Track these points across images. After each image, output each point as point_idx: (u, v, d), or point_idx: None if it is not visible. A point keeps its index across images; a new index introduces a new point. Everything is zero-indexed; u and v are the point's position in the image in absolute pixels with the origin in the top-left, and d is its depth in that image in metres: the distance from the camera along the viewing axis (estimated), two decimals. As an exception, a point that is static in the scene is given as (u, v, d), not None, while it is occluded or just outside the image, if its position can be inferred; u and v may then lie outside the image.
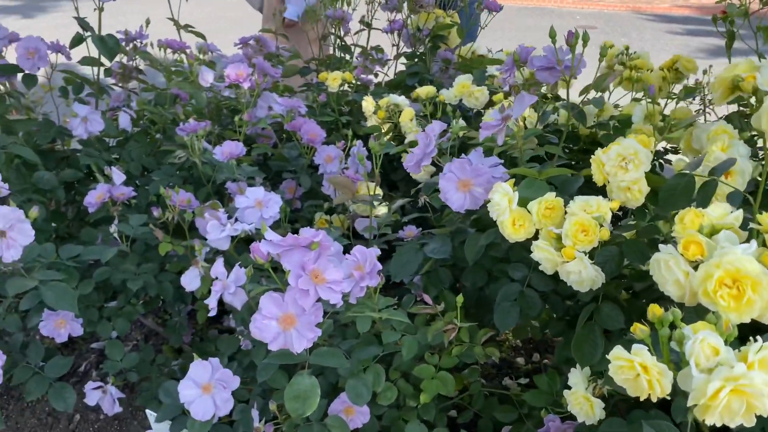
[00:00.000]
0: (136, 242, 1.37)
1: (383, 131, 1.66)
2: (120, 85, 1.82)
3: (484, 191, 0.96)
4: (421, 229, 1.42)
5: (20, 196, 1.36)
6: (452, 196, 0.96)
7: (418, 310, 0.99)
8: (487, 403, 1.19)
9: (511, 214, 0.92)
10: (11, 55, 1.46)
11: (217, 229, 1.09)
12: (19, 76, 1.51)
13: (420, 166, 1.02)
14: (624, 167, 0.89)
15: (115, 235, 1.26)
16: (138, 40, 1.69)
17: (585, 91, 1.15)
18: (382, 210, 1.53)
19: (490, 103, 1.59)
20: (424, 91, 1.52)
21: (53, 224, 1.55)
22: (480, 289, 1.14)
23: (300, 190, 1.60)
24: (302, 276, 0.79)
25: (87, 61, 1.61)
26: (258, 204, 1.18)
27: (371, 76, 2.01)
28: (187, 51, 1.57)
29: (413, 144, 1.60)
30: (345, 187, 1.11)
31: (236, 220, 1.14)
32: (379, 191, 1.52)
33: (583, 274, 0.84)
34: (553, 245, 0.88)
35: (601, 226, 0.86)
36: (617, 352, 0.65)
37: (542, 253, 0.88)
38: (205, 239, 1.38)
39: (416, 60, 1.97)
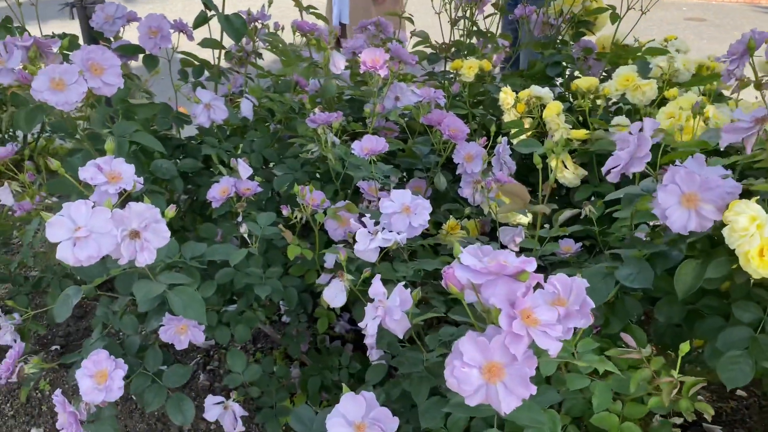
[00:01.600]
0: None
1: (525, 127, 1.47)
2: (236, 69, 1.70)
3: (715, 209, 0.76)
4: (581, 244, 1.23)
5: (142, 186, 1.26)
6: (674, 214, 0.77)
7: (620, 354, 0.81)
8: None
9: (760, 243, 0.72)
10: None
11: (365, 239, 0.94)
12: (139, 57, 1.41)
13: (628, 171, 0.83)
14: None
15: (244, 234, 1.13)
16: (260, 21, 1.57)
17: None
18: (524, 218, 1.35)
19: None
20: (586, 82, 1.32)
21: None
22: (676, 325, 0.95)
23: (428, 192, 1.43)
24: (515, 317, 0.62)
25: (207, 42, 1.50)
26: (405, 209, 1.02)
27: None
28: (318, 34, 1.43)
29: (566, 143, 1.41)
30: (517, 195, 0.95)
31: (383, 228, 0.99)
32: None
33: None
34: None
35: None
36: None
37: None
38: (334, 243, 1.25)
39: (554, 48, 1.76)
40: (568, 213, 1.07)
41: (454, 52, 1.85)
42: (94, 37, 1.55)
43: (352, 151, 1.18)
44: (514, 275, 0.66)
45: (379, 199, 1.28)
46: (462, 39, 1.89)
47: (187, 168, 1.41)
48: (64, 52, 1.12)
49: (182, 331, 1.14)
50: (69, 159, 1.20)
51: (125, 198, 0.91)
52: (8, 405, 1.51)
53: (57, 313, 1.05)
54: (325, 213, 1.19)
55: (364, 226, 1.01)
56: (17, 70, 0.96)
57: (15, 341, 1.31)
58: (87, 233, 0.82)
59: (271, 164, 1.51)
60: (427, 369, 0.87)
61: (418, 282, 1.08)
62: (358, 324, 0.99)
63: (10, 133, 2.76)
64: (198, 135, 1.60)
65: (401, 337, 0.81)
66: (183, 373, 1.15)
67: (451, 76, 1.78)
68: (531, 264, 0.65)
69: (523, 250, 1.22)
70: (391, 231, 0.99)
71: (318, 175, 1.43)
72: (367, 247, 0.93)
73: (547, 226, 1.23)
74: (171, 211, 0.92)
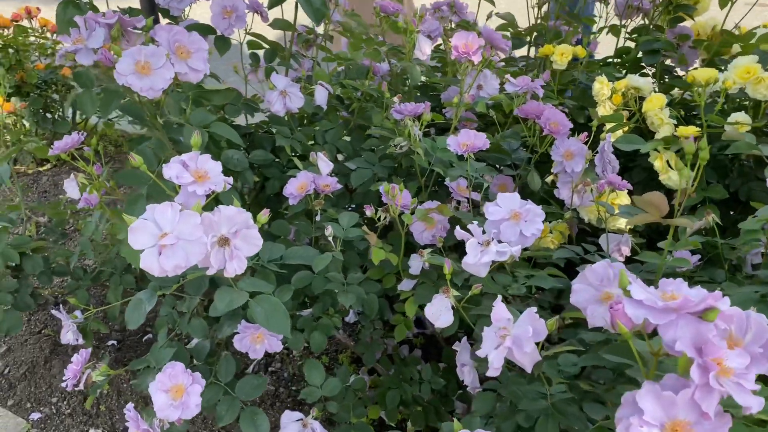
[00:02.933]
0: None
1: (624, 121, 1.34)
2: (302, 53, 1.61)
3: None
4: (699, 257, 1.11)
5: (212, 180, 1.17)
6: None
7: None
8: None
9: None
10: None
11: (475, 251, 0.84)
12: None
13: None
14: None
15: (329, 237, 1.04)
16: (334, 2, 1.46)
17: None
18: (623, 223, 1.23)
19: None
20: (704, 74, 1.18)
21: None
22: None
23: (515, 191, 1.32)
24: (708, 367, 0.51)
25: (279, 23, 1.40)
26: (514, 216, 0.92)
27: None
28: (405, 15, 1.32)
29: (673, 141, 1.28)
30: (654, 205, 0.83)
31: (494, 238, 0.88)
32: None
33: None
34: None
35: None
36: None
37: None
38: (421, 247, 1.15)
39: (650, 35, 1.62)
40: (700, 223, 0.95)
41: (536, 36, 1.72)
42: (156, 14, 1.47)
43: (448, 147, 1.07)
44: (699, 313, 0.55)
45: (468, 200, 1.17)
46: (541, 21, 1.76)
47: (257, 160, 1.32)
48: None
49: (258, 340, 1.06)
50: (138, 148, 1.13)
51: (212, 198, 0.83)
52: (65, 403, 1.46)
53: (129, 318, 0.98)
54: (412, 214, 1.09)
55: (467, 232, 0.91)
56: (100, 51, 0.88)
57: (77, 341, 1.25)
58: (174, 240, 0.74)
59: (341, 155, 1.42)
60: (554, 406, 0.77)
61: (520, 297, 0.98)
62: (433, 328, 0.89)
63: (60, 115, 2.73)
64: (264, 122, 1.52)
65: (529, 371, 0.71)
66: (258, 385, 1.07)
67: (529, 62, 1.66)
68: (723, 301, 0.54)
69: (630, 262, 1.11)
70: (500, 241, 0.89)
71: (397, 170, 1.33)
72: (479, 260, 0.83)
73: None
74: (264, 216, 0.83)
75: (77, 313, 1.26)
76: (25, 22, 2.64)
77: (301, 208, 1.20)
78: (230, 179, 0.82)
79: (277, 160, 1.42)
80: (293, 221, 1.27)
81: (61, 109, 2.66)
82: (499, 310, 0.73)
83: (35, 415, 1.26)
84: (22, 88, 2.47)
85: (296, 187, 1.16)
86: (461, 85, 1.30)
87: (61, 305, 1.35)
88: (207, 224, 0.78)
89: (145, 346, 1.61)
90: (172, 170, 0.79)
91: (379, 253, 1.08)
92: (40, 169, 2.71)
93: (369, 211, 1.11)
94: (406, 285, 1.14)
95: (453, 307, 0.88)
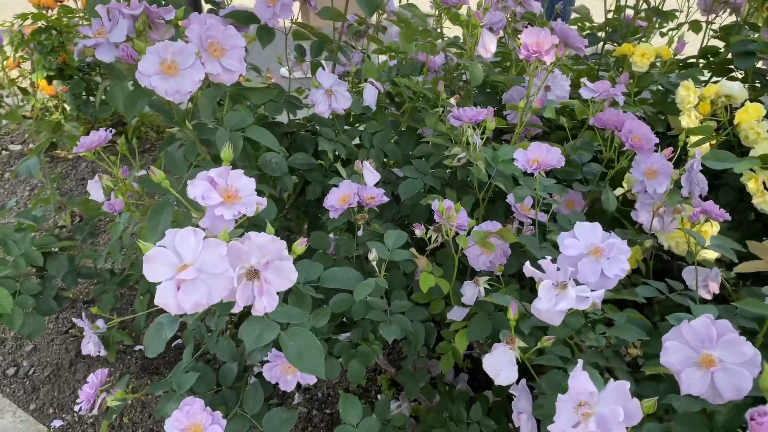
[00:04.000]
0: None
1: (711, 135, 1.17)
2: (352, 44, 1.49)
3: None
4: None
5: (247, 187, 1.07)
6: None
7: None
8: None
9: None
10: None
11: (549, 294, 0.71)
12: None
13: None
14: None
15: (373, 262, 0.92)
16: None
17: None
18: (711, 254, 1.08)
19: None
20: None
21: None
22: None
23: (584, 210, 1.18)
24: None
25: (328, 12, 1.28)
26: (595, 252, 0.78)
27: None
28: (468, 8, 1.18)
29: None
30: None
31: (571, 279, 0.75)
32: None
33: None
34: None
35: None
36: None
37: None
38: (476, 273, 1.02)
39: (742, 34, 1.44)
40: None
41: (609, 32, 1.56)
42: (198, 1, 1.37)
43: (514, 162, 0.94)
44: None
45: (533, 222, 1.04)
46: (615, 15, 1.59)
47: (299, 164, 1.21)
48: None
49: (290, 371, 0.96)
50: (168, 150, 1.03)
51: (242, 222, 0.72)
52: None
53: (148, 345, 0.89)
54: (468, 235, 0.97)
55: (536, 266, 0.78)
56: (122, 46, 0.77)
57: (99, 352, 1.17)
58: (195, 274, 0.63)
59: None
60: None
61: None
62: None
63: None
64: (307, 119, 1.41)
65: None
66: (287, 419, 0.97)
67: (602, 60, 1.50)
68: None
69: (720, 300, 0.96)
70: (577, 281, 0.75)
71: (450, 181, 1.20)
72: (553, 307, 0.70)
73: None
74: (300, 247, 0.71)
75: (99, 323, 1.18)
76: (70, 2, 2.59)
77: (342, 221, 1.09)
78: (264, 200, 0.71)
79: (320, 161, 1.31)
80: (333, 231, 1.16)
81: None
82: (581, 380, 0.60)
83: (57, 423, 1.20)
84: (64, 71, 2.42)
85: (338, 199, 1.05)
86: (528, 87, 1.16)
87: (83, 313, 1.27)
88: (234, 254, 0.67)
89: (174, 353, 1.53)
90: (197, 189, 0.68)
91: (429, 280, 0.96)
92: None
93: (419, 231, 0.99)
94: (456, 314, 1.02)
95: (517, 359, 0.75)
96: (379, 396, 1.40)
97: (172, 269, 0.64)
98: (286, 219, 1.41)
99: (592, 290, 0.75)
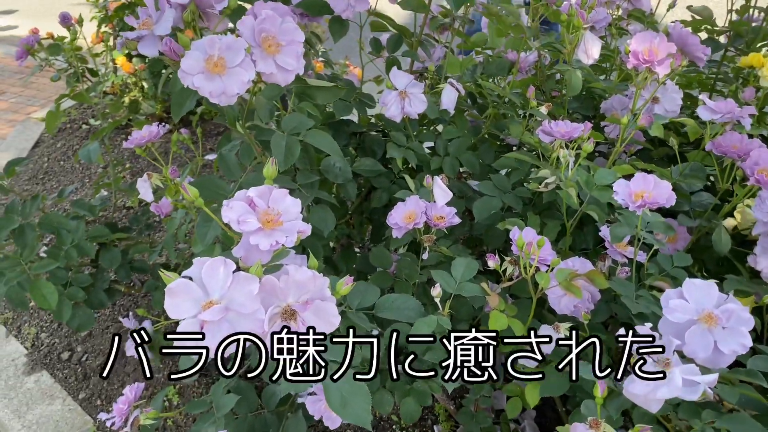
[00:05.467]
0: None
1: None
2: (435, 38, 1.37)
3: None
4: None
5: (306, 194, 0.98)
6: None
7: None
8: None
9: None
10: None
11: (675, 386, 0.58)
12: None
13: None
14: None
15: (436, 298, 0.81)
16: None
17: None
18: None
19: None
20: None
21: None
22: None
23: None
24: None
25: (410, 3, 1.17)
26: (707, 318, 0.64)
27: None
28: (571, 5, 1.04)
29: None
30: None
31: (675, 351, 0.61)
32: None
33: None
34: None
35: None
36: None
37: None
38: (557, 318, 0.89)
39: None
40: None
41: (733, 37, 1.36)
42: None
43: (614, 195, 0.80)
44: None
45: (631, 261, 0.89)
46: (739, 18, 1.39)
47: (364, 171, 1.12)
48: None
49: (334, 408, 0.87)
50: (223, 153, 0.96)
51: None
52: None
53: (183, 365, 0.82)
54: (551, 270, 0.84)
55: (628, 322, 0.65)
56: (165, 40, 0.69)
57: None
58: (221, 314, 0.54)
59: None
60: None
61: None
62: None
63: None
64: (379, 117, 1.30)
65: None
66: (329, 458, 0.88)
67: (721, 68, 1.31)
68: None
69: None
70: (682, 355, 0.62)
71: (534, 202, 1.07)
72: (651, 392, 0.57)
73: None
74: (346, 287, 0.62)
75: (147, 324, 1.13)
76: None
77: (406, 241, 0.98)
78: (308, 228, 0.61)
79: (388, 165, 1.21)
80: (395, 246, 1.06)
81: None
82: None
83: (103, 416, 1.16)
84: (145, 49, 2.42)
85: (403, 216, 0.94)
86: (634, 100, 1.01)
87: (131, 313, 1.24)
88: (269, 290, 0.58)
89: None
90: (233, 212, 0.59)
91: (500, 320, 0.84)
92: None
93: (492, 262, 0.87)
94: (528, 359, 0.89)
95: (599, 444, 0.62)
96: (435, 427, 1.29)
97: (197, 306, 0.56)
98: (348, 225, 1.32)
99: (700, 365, 0.61)
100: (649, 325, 0.62)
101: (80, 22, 1.40)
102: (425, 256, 0.97)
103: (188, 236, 1.29)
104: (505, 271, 0.87)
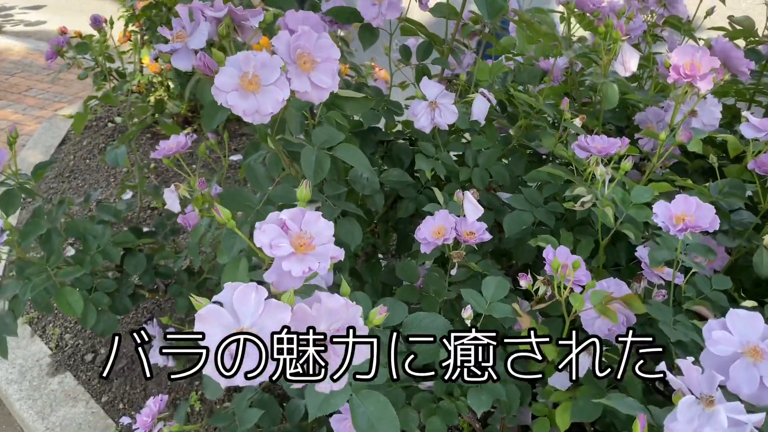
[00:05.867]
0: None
1: None
2: (464, 43, 1.35)
3: None
4: None
5: (333, 207, 0.97)
6: None
7: None
8: None
9: None
10: None
11: (689, 412, 0.56)
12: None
13: None
14: None
15: (467, 320, 0.80)
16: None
17: None
18: None
19: None
20: None
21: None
22: None
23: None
24: None
25: (442, 10, 1.15)
26: (753, 353, 0.62)
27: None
28: (607, 16, 1.01)
29: None
30: None
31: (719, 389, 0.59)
32: None
33: None
34: None
35: None
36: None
37: None
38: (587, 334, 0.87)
39: None
40: None
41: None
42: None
43: (654, 218, 0.77)
44: None
45: (668, 283, 0.87)
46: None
47: (392, 182, 1.10)
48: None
49: (360, 426, 0.85)
50: (250, 163, 0.95)
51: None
52: (157, 410, 1.37)
53: (207, 385, 0.81)
54: (582, 290, 0.82)
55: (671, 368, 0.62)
56: (199, 54, 0.68)
57: (167, 363, 1.13)
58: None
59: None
60: None
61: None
62: None
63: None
64: (405, 123, 1.29)
65: None
66: (353, 477, 0.87)
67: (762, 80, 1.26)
68: None
69: None
70: (723, 388, 0.59)
71: (566, 217, 1.05)
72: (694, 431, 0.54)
73: None
74: (379, 316, 0.60)
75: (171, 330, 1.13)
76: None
77: (434, 256, 0.97)
78: (341, 252, 0.60)
79: (416, 174, 1.19)
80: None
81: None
82: None
83: (125, 420, 1.17)
84: (171, 48, 2.43)
85: (432, 231, 0.93)
86: (673, 115, 0.98)
87: (154, 320, 1.24)
88: (300, 318, 0.57)
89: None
90: (265, 236, 0.58)
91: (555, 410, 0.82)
92: (186, 132, 2.70)
93: (524, 282, 0.85)
94: (559, 380, 0.88)
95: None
96: (459, 441, 1.28)
97: (226, 330, 0.55)
98: (374, 234, 1.31)
99: (744, 401, 0.59)
100: (690, 358, 0.60)
101: (110, 23, 1.40)
102: (454, 272, 0.95)
103: (213, 242, 1.28)
104: (536, 290, 0.85)
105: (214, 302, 0.56)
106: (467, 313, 0.79)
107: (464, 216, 0.94)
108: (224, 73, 0.65)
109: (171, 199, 0.98)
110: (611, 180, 0.88)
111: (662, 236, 0.81)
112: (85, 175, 2.32)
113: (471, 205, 0.91)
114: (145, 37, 2.44)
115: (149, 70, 2.37)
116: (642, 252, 0.89)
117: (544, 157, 1.25)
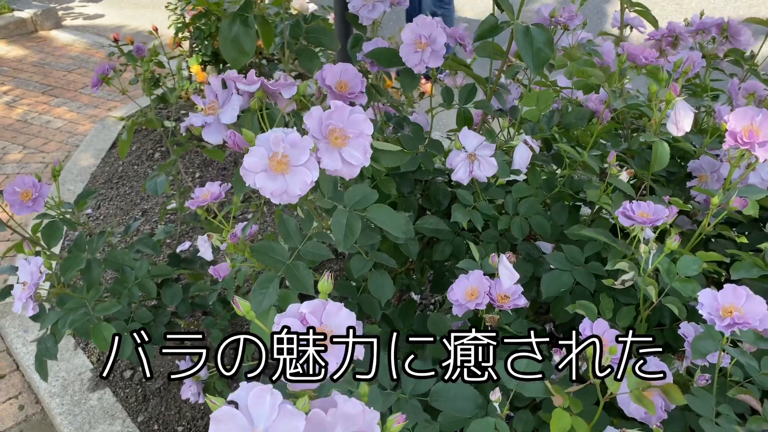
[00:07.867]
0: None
1: None
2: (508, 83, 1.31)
3: None
4: None
5: (365, 259, 0.96)
6: None
7: None
8: None
9: None
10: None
11: None
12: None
13: None
14: None
15: (495, 403, 0.77)
16: (567, 25, 1.14)
17: None
18: None
19: None
20: None
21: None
22: None
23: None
24: None
25: (485, 49, 1.12)
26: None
27: None
28: (663, 70, 0.95)
29: None
30: None
31: None
32: None
33: None
34: None
35: None
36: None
37: None
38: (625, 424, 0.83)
39: None
40: None
41: None
42: (347, 22, 1.26)
43: (699, 309, 0.73)
44: None
45: (711, 366, 0.82)
46: None
47: (427, 230, 1.08)
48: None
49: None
50: (284, 216, 0.94)
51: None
52: (189, 435, 1.39)
53: None
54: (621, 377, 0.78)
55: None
56: (229, 133, 0.68)
57: (198, 398, 1.14)
58: (265, 447, 0.52)
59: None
60: None
61: None
62: None
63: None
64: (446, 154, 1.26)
65: None
66: None
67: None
68: None
69: None
70: None
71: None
72: None
73: None
74: (397, 425, 0.58)
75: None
76: (234, -16, 2.61)
77: (468, 316, 0.94)
78: (361, 351, 0.59)
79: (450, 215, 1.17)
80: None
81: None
82: None
83: (159, 443, 1.19)
84: (219, 56, 2.45)
85: (464, 293, 0.90)
86: (727, 179, 0.93)
87: (187, 357, 1.25)
88: (315, 424, 0.55)
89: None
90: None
91: (563, 420, 0.79)
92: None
93: (557, 356, 0.82)
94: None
95: None
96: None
97: (242, 434, 0.54)
98: (408, 273, 1.29)
99: None
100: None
101: (154, 53, 1.41)
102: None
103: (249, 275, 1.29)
104: (572, 368, 0.82)
105: (229, 401, 0.56)
106: (495, 396, 0.76)
107: (498, 277, 0.91)
108: (254, 153, 0.64)
109: (204, 247, 0.99)
110: (657, 251, 0.84)
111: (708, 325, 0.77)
112: (132, 182, 2.37)
113: (506, 270, 0.89)
114: (194, 45, 2.47)
115: (197, 80, 2.40)
116: (686, 329, 0.84)
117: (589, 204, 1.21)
